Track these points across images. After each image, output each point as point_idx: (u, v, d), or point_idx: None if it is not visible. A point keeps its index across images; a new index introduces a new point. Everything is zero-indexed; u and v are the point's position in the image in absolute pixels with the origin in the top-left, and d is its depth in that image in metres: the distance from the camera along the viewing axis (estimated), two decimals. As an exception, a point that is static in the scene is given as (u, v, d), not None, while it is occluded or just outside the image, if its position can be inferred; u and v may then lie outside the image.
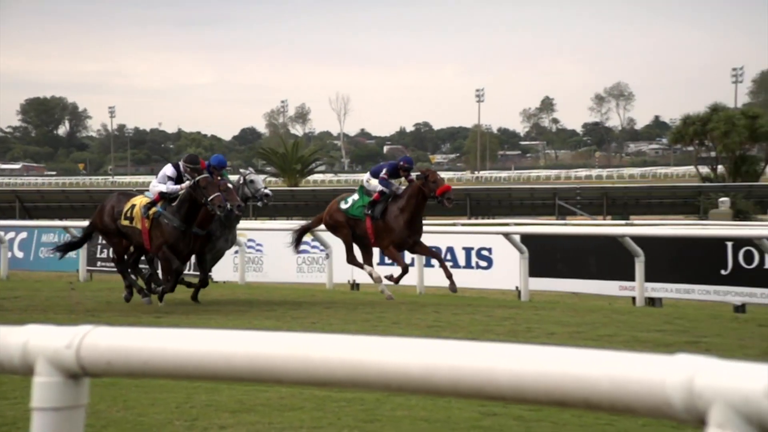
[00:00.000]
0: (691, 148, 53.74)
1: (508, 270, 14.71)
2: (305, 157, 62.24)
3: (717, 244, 13.56)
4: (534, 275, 14.41)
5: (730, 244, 13.35)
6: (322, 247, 16.29)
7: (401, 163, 13.93)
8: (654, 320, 11.37)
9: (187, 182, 12.66)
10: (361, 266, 14.00)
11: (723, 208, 34.49)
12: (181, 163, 13.16)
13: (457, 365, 1.94)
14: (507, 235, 14.89)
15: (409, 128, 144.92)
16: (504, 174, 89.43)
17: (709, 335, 10.06)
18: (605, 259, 14.38)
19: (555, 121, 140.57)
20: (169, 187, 12.84)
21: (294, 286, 16.58)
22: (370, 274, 13.75)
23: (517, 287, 14.75)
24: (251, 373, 2.12)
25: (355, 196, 13.87)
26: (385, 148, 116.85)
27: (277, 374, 2.09)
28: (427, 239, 14.61)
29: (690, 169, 58.98)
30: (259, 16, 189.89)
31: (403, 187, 13.67)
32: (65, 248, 14.75)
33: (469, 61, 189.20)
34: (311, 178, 69.16)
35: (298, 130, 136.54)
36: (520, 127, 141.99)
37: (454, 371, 1.93)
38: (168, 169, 13.20)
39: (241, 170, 14.45)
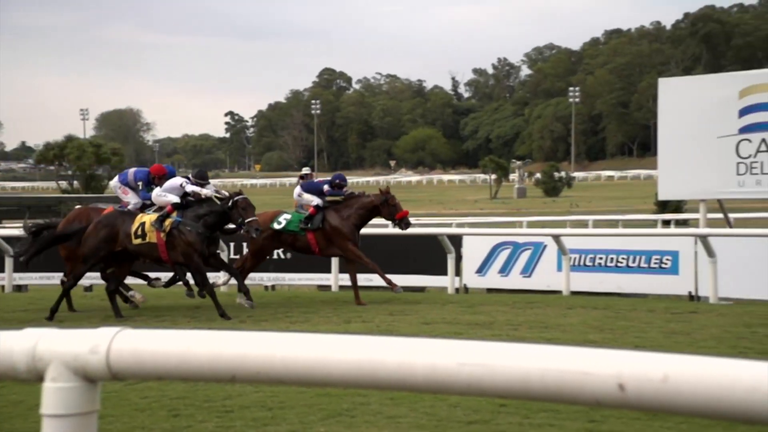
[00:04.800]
0: (52, 167, 54.32)
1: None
2: None
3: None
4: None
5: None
6: None
7: (336, 181, 11.08)
8: (19, 303, 10.90)
9: (210, 191, 9.93)
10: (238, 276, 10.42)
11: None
12: (190, 177, 10.26)
13: None
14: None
15: None
16: None
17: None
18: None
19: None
20: (192, 188, 9.87)
21: None
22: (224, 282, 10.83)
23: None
24: None
25: (287, 215, 10.81)
26: None
27: None
28: None
29: (53, 183, 58.08)
30: None
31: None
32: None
33: None
34: None
35: None
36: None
37: None
38: (180, 181, 10.02)
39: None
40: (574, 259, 11.95)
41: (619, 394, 1.37)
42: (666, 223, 19.15)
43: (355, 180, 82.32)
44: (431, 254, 12.36)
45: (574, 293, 11.45)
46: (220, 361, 1.59)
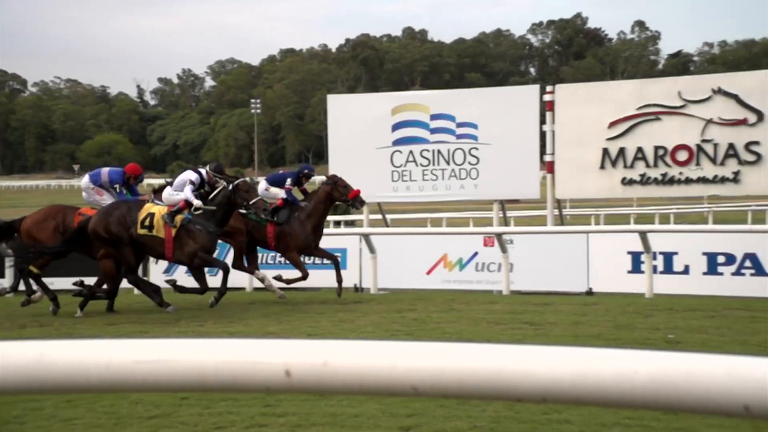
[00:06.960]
0: None
1: None
2: None
3: None
4: None
5: None
6: None
7: (305, 171, 10.52)
8: None
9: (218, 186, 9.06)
10: (251, 272, 10.32)
11: None
12: (205, 171, 9.17)
13: None
14: None
15: None
16: None
17: None
18: None
19: None
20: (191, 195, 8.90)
21: None
22: (262, 280, 10.01)
23: None
24: None
25: None
26: None
27: None
28: None
29: None
30: None
31: (301, 198, 10.36)
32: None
33: None
34: None
35: None
36: None
37: None
38: (191, 175, 9.05)
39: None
40: (258, 257, 12.06)
41: (286, 380, 1.40)
42: (337, 224, 20.19)
43: (34, 183, 75.18)
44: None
45: (257, 290, 11.58)
46: None
